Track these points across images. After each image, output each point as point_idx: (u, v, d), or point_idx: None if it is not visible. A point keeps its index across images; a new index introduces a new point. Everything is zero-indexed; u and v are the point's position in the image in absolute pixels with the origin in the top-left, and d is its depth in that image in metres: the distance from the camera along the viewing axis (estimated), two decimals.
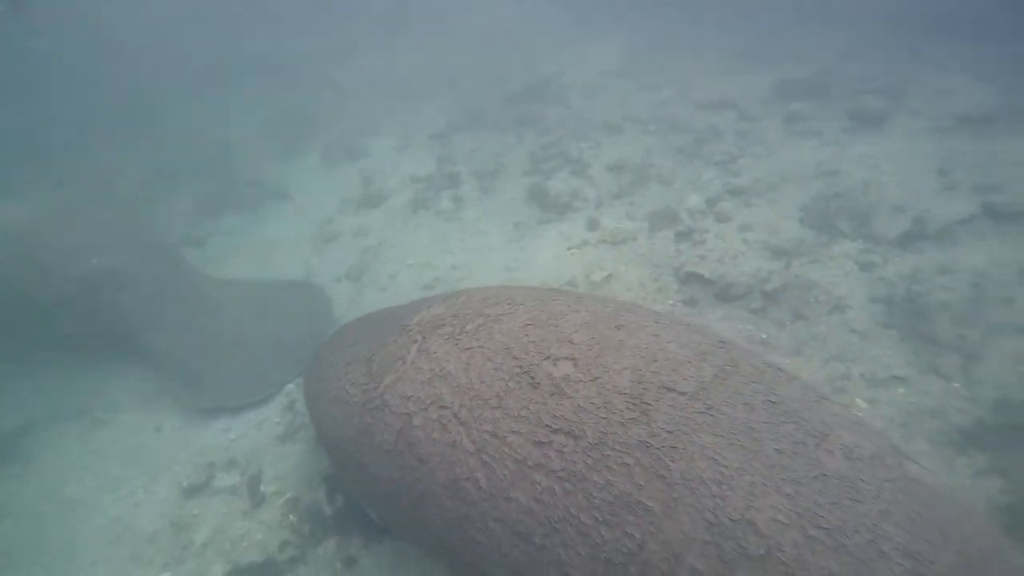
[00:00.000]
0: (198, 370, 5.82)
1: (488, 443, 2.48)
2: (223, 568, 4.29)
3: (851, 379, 4.47)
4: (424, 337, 2.94)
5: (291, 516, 4.46)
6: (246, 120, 12.15)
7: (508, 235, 7.03)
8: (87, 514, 5.06)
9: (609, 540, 2.23)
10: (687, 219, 6.42)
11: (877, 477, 2.20)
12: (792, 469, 2.20)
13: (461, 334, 2.83)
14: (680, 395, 2.39)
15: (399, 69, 13.54)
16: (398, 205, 8.30)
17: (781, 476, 2.18)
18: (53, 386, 6.43)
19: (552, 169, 7.95)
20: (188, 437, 5.51)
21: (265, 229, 8.64)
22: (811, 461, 2.22)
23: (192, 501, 4.89)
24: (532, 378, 2.53)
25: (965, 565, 2.04)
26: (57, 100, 13.05)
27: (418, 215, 7.91)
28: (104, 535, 4.84)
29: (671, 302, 5.49)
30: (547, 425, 2.41)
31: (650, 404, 2.36)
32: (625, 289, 5.74)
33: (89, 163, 11.13)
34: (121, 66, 14.41)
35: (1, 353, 6.76)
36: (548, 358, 2.57)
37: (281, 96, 12.84)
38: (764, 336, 4.93)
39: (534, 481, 2.36)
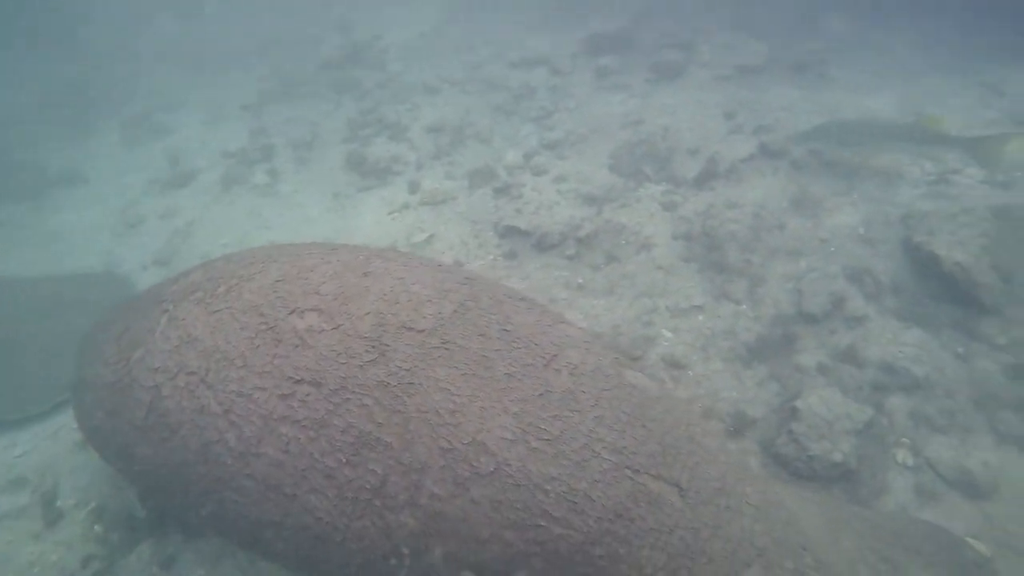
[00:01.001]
0: None
1: (235, 403, 2.50)
2: None
3: (658, 312, 4.84)
4: (175, 305, 2.88)
5: (96, 527, 4.07)
6: (19, 95, 10.59)
7: (328, 205, 6.81)
8: None
9: (353, 479, 2.33)
10: (505, 175, 6.57)
11: (596, 388, 2.46)
12: (520, 390, 2.40)
13: (211, 297, 2.79)
14: (418, 333, 2.52)
15: (204, 35, 12.44)
16: (208, 182, 7.74)
17: (510, 397, 2.37)
18: None
19: (371, 135, 7.77)
20: None
21: (52, 218, 7.71)
22: (538, 380, 2.43)
23: None
24: (277, 333, 2.56)
25: (662, 452, 2.36)
26: None
27: (231, 192, 7.43)
28: None
29: (491, 256, 5.61)
30: (290, 377, 2.46)
31: (388, 345, 2.48)
32: (447, 248, 5.79)
33: None
34: None
35: None
36: (294, 311, 2.61)
37: (63, 67, 11.30)
38: (580, 280, 5.19)
39: (280, 434, 2.42)
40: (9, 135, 9.37)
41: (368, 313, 2.58)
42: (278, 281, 2.77)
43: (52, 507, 4.32)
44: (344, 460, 2.35)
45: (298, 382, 2.45)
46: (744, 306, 4.81)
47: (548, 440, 2.28)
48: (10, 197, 8.10)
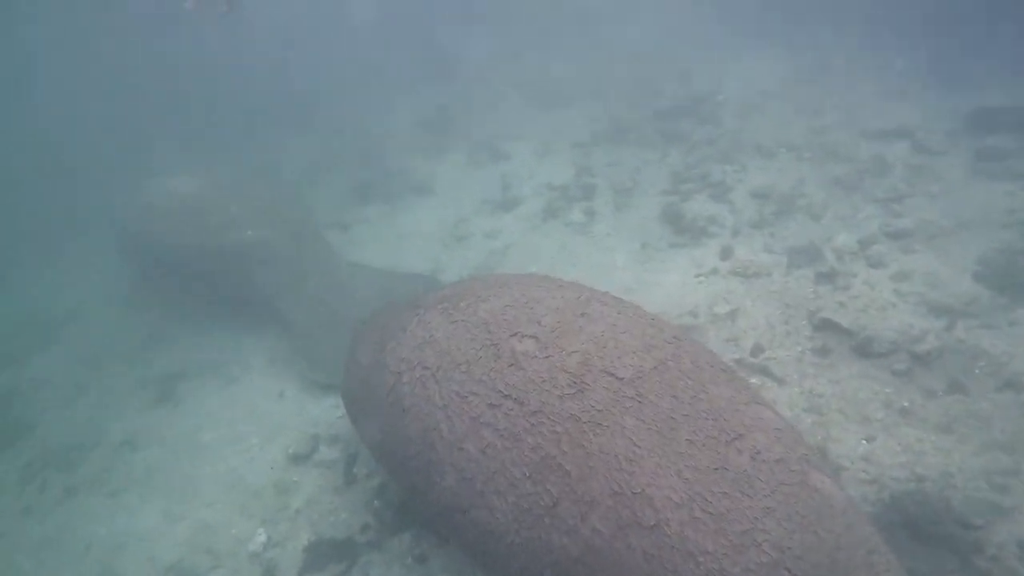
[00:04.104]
0: (321, 346, 6.21)
1: (452, 400, 2.95)
2: (308, 537, 4.58)
3: (1021, 476, 3.80)
4: (425, 311, 3.50)
5: (376, 502, 4.64)
6: (405, 116, 12.85)
7: (635, 255, 6.86)
8: (211, 459, 5.65)
9: (531, 493, 2.60)
10: (832, 259, 5.87)
11: (774, 479, 2.39)
12: (697, 459, 2.44)
13: (453, 309, 3.33)
14: (617, 380, 2.69)
15: (551, 74, 13.63)
16: (530, 211, 8.36)
17: (685, 463, 2.43)
18: (205, 340, 7.23)
19: (691, 191, 7.61)
20: (303, 407, 5.93)
21: (404, 221, 9.06)
22: (717, 455, 2.45)
23: (295, 468, 5.26)
24: (498, 350, 2.96)
25: (829, 566, 2.19)
26: (244, 89, 14.61)
27: (548, 224, 7.94)
28: (222, 481, 5.38)
29: (799, 348, 5.05)
30: (499, 390, 2.83)
31: (588, 384, 2.69)
32: (750, 327, 5.38)
33: (260, 147, 12.40)
34: (301, 62, 15.82)
35: (174, 308, 7.72)
36: (515, 335, 3.00)
37: (437, 96, 13.40)
38: (905, 404, 4.36)
39: (482, 436, 2.80)
40: (387, 147, 11.41)
41: (576, 351, 2.83)
42: (507, 306, 3.18)
43: (351, 471, 5.05)
44: (527, 474, 2.63)
45: (505, 396, 2.80)
46: None
47: (712, 514, 2.29)
48: (379, 198, 9.78)
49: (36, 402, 7.36)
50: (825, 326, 5.11)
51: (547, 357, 2.84)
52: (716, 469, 2.40)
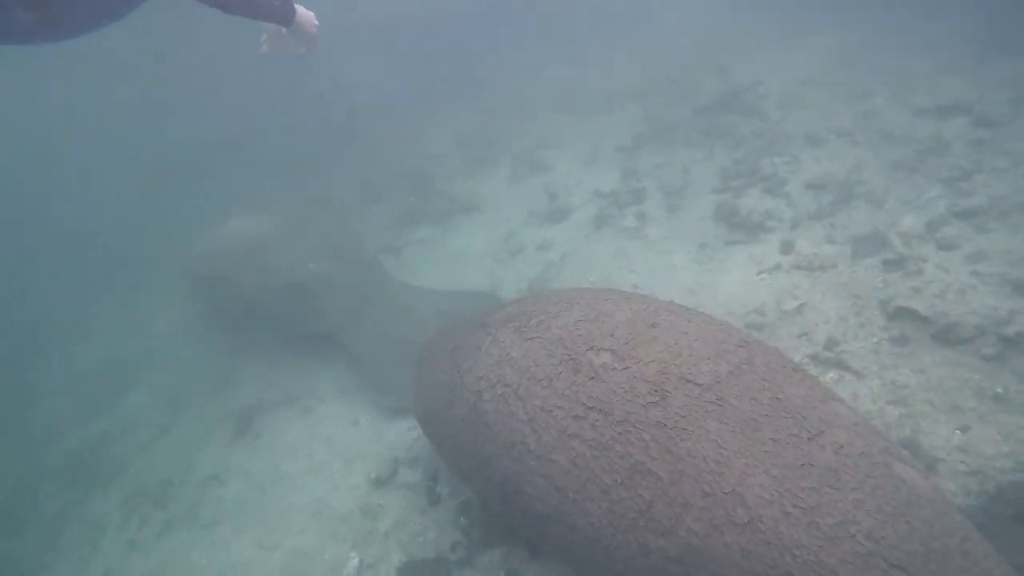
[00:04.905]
0: (388, 371, 6.33)
1: (538, 415, 3.11)
2: (400, 558, 4.69)
3: None
4: (497, 330, 3.64)
5: (462, 519, 4.73)
6: (444, 136, 13.04)
7: (694, 256, 6.80)
8: (295, 489, 5.83)
9: (624, 498, 2.73)
10: (900, 245, 5.72)
11: (860, 471, 2.45)
12: (782, 456, 2.51)
13: (525, 327, 3.48)
14: (696, 386, 2.79)
15: (586, 79, 13.64)
16: (581, 220, 8.35)
17: (772, 461, 2.51)
18: (277, 375, 7.48)
19: (743, 186, 7.50)
20: (379, 432, 6.06)
21: (455, 240, 9.18)
22: (801, 451, 2.52)
23: (378, 492, 5.39)
24: (576, 364, 3.10)
25: (925, 554, 2.21)
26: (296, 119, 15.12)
27: (601, 231, 7.93)
28: (308, 510, 5.54)
29: (875, 339, 4.93)
30: (583, 403, 2.97)
31: (668, 392, 2.80)
32: (821, 321, 5.29)
33: (312, 175, 12.79)
34: (341, 91, 16.27)
35: (245, 344, 8.03)
36: (591, 348, 3.12)
37: (473, 116, 13.58)
38: (999, 390, 4.19)
39: (571, 447, 2.94)
40: (433, 170, 11.60)
41: (653, 360, 2.94)
42: (579, 321, 3.32)
43: (434, 491, 5.15)
44: (619, 480, 2.75)
45: (590, 408, 2.93)
46: None
47: (803, 509, 2.36)
48: (428, 220, 9.94)
49: (125, 443, 7.75)
50: (900, 314, 4.97)
51: (625, 368, 2.96)
52: (802, 465, 2.47)
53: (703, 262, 6.64)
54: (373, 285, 7.33)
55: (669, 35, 14.46)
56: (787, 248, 6.26)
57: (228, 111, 15.91)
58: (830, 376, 4.68)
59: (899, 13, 10.65)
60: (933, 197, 6.21)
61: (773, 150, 8.01)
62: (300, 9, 3.91)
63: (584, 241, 7.89)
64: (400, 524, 5.00)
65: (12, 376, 10.44)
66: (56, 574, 6.29)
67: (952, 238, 5.57)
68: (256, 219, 7.75)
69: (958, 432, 4.00)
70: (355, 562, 4.80)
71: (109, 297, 11.74)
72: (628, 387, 2.89)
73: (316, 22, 4.03)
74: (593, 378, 3.01)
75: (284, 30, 4.02)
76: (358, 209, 11.13)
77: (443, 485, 5.16)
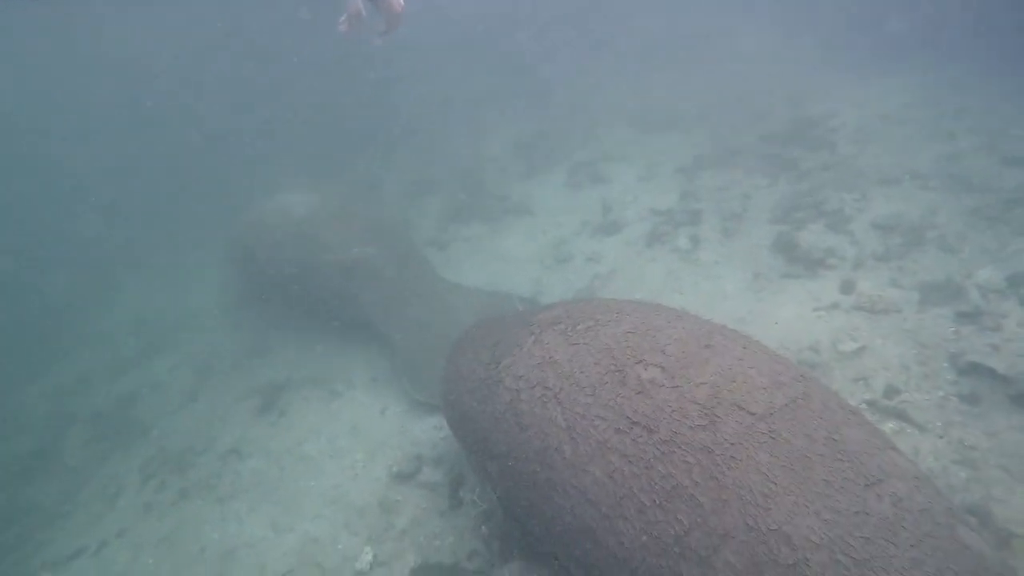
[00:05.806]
0: (422, 366, 6.23)
1: (577, 423, 2.97)
2: (415, 559, 4.57)
3: None
4: (541, 331, 3.51)
5: (483, 528, 4.57)
6: (503, 138, 13.00)
7: (746, 284, 6.54)
8: (315, 473, 5.77)
9: (660, 521, 2.59)
10: (976, 296, 5.36)
11: (921, 529, 2.27)
12: (836, 500, 2.35)
13: (572, 331, 3.35)
14: (749, 415, 2.64)
15: (652, 96, 13.44)
16: (633, 236, 8.18)
17: (824, 504, 2.35)
18: (308, 354, 7.47)
19: (805, 219, 7.19)
20: (406, 425, 5.96)
21: (503, 241, 9.09)
22: (857, 498, 2.35)
23: (399, 487, 5.29)
24: (623, 376, 2.96)
25: None
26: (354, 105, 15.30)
27: (652, 249, 7.72)
28: (325, 496, 5.47)
29: (942, 393, 4.60)
30: (627, 417, 2.83)
31: (719, 417, 2.66)
32: (881, 366, 4.98)
33: (363, 164, 12.92)
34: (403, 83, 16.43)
35: (279, 320, 8.04)
36: (640, 362, 2.98)
37: (534, 122, 13.50)
38: None
39: (609, 461, 2.80)
40: (487, 170, 11.55)
41: (705, 383, 2.80)
42: (629, 332, 3.18)
43: (456, 494, 5.00)
44: (657, 502, 2.61)
45: (634, 423, 2.80)
46: None
47: (854, 559, 2.20)
48: (478, 218, 9.89)
49: (152, 405, 7.84)
50: (973, 370, 4.64)
51: (675, 387, 2.83)
52: (856, 512, 2.31)
53: (756, 291, 6.37)
54: (417, 278, 7.23)
55: (742, 60, 14.16)
56: (848, 288, 5.95)
57: (293, 92, 16.15)
58: (889, 426, 4.39)
59: (990, 56, 10.16)
60: (1017, 250, 5.81)
61: (841, 185, 7.67)
62: None
63: (635, 257, 7.69)
64: (418, 524, 4.88)
65: (57, 326, 10.77)
66: (73, 525, 6.36)
67: None
68: (305, 196, 7.72)
69: None
70: (369, 557, 4.69)
71: (161, 258, 12.03)
72: (676, 406, 2.76)
73: (403, 1, 3.98)
74: (640, 392, 2.88)
75: (370, 4, 3.98)
76: (408, 200, 11.15)
77: (466, 491, 5.00)
